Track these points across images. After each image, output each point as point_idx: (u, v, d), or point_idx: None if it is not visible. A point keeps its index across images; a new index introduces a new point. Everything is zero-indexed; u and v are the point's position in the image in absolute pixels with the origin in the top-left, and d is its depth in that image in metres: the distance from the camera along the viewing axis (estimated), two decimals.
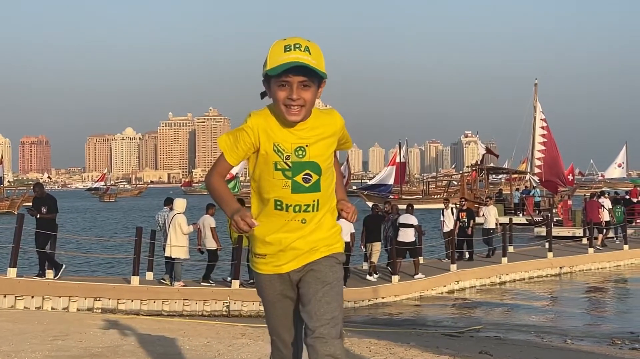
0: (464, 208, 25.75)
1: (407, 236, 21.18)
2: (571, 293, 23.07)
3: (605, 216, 31.75)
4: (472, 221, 25.03)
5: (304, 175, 3.71)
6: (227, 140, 3.73)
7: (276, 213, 3.75)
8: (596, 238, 29.75)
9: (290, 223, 3.75)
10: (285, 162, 3.69)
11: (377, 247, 20.80)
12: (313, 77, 3.60)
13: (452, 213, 25.53)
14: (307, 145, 3.70)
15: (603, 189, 48.86)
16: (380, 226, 21.31)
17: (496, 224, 26.83)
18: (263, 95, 3.78)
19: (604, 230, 31.12)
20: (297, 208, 3.72)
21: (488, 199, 31.18)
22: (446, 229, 25.16)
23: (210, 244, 18.99)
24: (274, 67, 3.54)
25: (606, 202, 32.84)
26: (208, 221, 19.12)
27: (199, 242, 19.24)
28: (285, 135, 3.69)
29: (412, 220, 21.41)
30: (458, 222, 24.79)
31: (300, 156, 3.69)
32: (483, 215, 27.64)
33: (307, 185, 3.72)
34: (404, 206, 23.64)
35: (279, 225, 3.75)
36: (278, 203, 3.73)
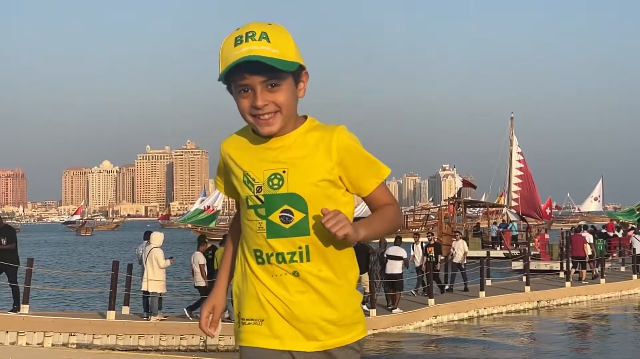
0: (432, 242, 25.88)
1: (394, 268, 21.18)
2: (549, 329, 23.08)
3: (588, 250, 31.92)
4: (439, 256, 25.09)
5: (281, 212, 2.68)
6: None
7: (261, 268, 2.74)
8: (577, 272, 29.96)
9: (281, 278, 2.71)
10: (257, 196, 2.71)
11: (365, 278, 20.72)
12: (280, 71, 2.61)
13: (422, 248, 25.61)
14: (284, 171, 2.68)
15: (581, 223, 49.19)
16: (367, 257, 21.15)
17: (463, 257, 26.86)
18: None
19: (587, 264, 31.27)
20: (279, 258, 2.69)
21: (457, 233, 31.27)
22: (417, 264, 25.23)
23: (200, 281, 18.85)
24: (222, 71, 2.64)
25: (588, 236, 33.02)
26: (197, 259, 18.99)
27: (194, 278, 19.24)
28: (256, 158, 2.74)
29: (402, 252, 21.46)
30: (426, 257, 24.81)
31: (275, 186, 2.68)
32: (454, 249, 27.75)
33: (286, 226, 2.68)
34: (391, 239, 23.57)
35: (268, 283, 2.72)
36: (258, 253, 2.74)
